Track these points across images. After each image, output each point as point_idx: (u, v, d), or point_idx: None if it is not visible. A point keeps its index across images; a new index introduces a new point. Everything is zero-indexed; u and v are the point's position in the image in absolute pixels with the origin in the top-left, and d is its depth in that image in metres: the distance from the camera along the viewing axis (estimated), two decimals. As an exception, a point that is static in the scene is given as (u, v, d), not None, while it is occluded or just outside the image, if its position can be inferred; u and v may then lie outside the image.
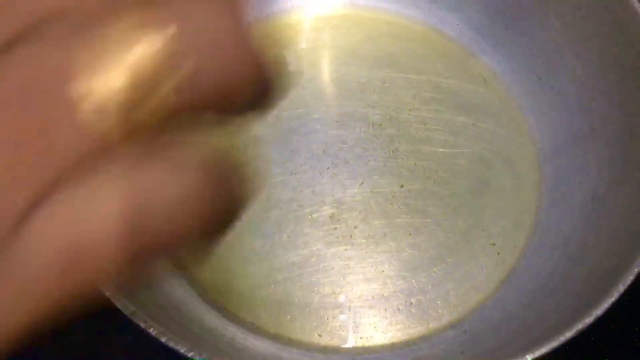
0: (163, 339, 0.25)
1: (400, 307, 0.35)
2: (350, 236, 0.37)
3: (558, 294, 0.33)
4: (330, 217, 0.38)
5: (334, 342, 0.34)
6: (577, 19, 0.38)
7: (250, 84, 0.13)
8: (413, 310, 0.35)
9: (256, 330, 0.34)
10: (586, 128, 0.38)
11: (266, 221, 0.37)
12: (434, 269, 0.36)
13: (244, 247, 0.37)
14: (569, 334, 0.26)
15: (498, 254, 0.37)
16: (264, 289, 0.35)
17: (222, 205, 0.14)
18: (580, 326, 0.26)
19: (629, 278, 0.27)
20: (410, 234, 0.37)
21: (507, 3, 0.41)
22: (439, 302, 0.35)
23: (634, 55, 0.35)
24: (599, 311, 0.26)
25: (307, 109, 0.41)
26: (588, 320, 0.26)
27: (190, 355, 0.25)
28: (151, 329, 0.26)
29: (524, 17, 0.41)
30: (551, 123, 0.40)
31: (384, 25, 0.44)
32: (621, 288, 0.27)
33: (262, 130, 0.40)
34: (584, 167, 0.37)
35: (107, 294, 0.25)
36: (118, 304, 0.25)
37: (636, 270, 0.27)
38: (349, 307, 0.35)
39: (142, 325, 0.26)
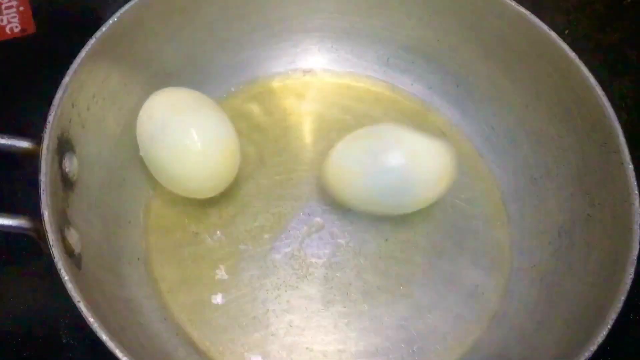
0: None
1: (404, 355, 0.37)
2: (347, 293, 0.39)
3: (547, 323, 0.36)
4: (324, 277, 0.39)
5: (349, 398, 0.36)
6: (524, 75, 0.42)
7: None
8: (417, 358, 0.37)
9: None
10: (542, 170, 0.42)
11: (263, 288, 0.39)
12: (429, 315, 0.39)
13: (245, 315, 0.38)
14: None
15: (482, 293, 0.40)
16: (268, 350, 0.36)
17: None
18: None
19: (618, 306, 0.31)
20: (401, 285, 0.40)
21: (455, 63, 0.45)
22: (438, 346, 0.38)
23: (578, 103, 0.39)
24: (594, 345, 0.30)
25: (289, 175, 0.43)
26: (588, 354, 0.29)
27: None
28: None
29: (472, 74, 0.45)
30: (509, 167, 0.44)
31: (345, 89, 0.47)
32: (613, 317, 0.31)
33: (248, 199, 0.41)
34: (545, 206, 0.41)
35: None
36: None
37: (622, 299, 0.31)
38: (357, 363, 0.37)
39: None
